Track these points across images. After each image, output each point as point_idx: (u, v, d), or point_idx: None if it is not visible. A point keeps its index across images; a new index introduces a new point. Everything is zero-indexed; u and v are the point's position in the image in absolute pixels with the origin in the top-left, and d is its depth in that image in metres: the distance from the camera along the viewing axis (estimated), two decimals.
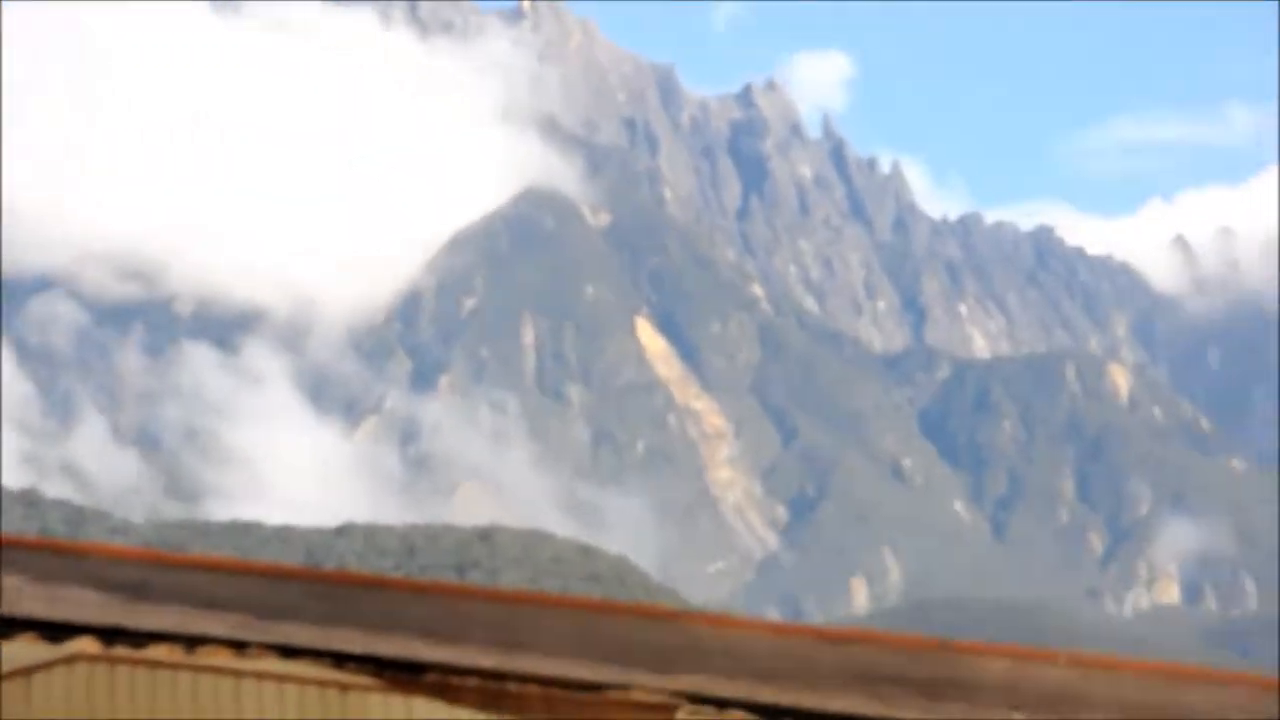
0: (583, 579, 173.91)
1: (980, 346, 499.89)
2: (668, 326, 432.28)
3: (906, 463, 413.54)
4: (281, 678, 9.82)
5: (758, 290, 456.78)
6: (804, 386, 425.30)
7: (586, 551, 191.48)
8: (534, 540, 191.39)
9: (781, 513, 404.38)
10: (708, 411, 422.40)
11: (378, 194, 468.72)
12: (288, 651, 9.74)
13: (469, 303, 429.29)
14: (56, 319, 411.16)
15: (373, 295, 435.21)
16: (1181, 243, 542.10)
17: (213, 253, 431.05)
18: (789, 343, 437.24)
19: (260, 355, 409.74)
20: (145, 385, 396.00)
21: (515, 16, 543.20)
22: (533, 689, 9.42)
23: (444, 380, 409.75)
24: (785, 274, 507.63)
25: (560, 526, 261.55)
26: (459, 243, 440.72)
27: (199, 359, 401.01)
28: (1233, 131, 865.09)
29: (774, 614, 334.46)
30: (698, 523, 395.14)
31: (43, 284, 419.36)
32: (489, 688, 9.54)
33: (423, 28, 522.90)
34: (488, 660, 9.54)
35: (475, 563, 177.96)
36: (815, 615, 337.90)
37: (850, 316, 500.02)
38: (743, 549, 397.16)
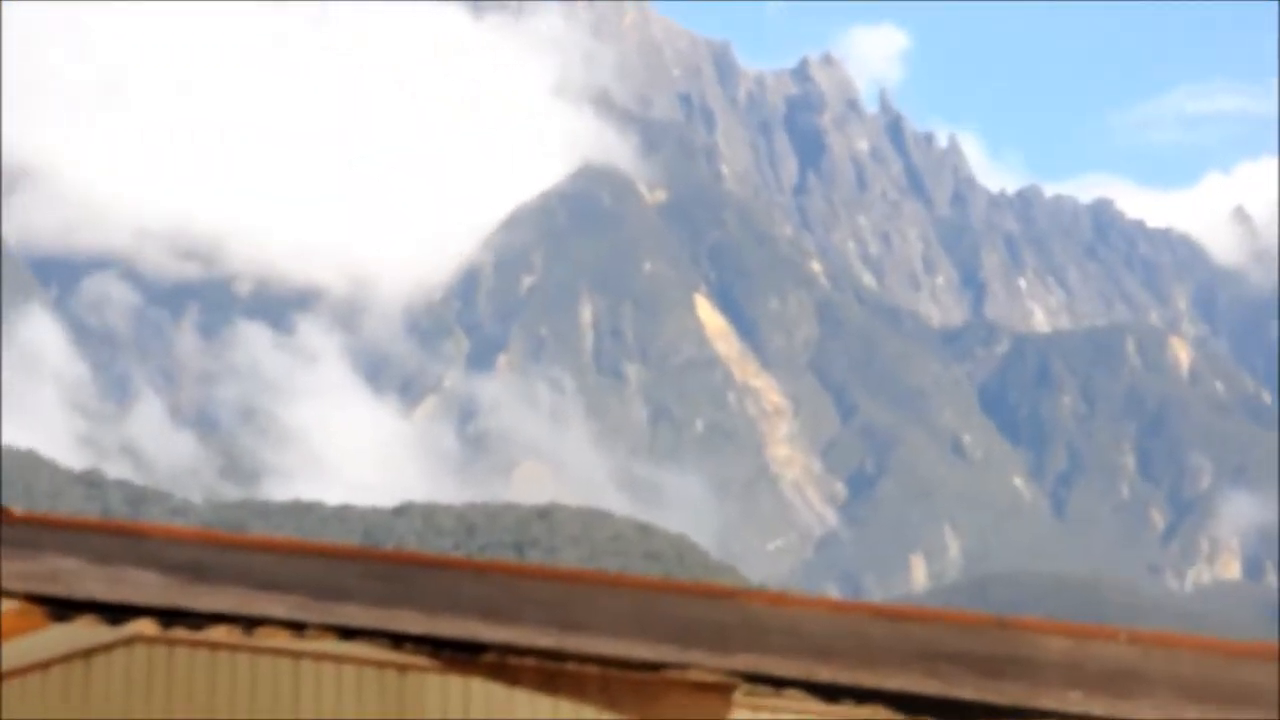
0: (641, 557, 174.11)
1: (1040, 320, 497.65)
2: (726, 303, 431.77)
3: (966, 438, 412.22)
4: (340, 658, 9.86)
5: (816, 266, 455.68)
6: (863, 363, 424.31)
7: (645, 530, 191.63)
8: (593, 519, 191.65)
9: (840, 490, 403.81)
10: (766, 389, 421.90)
11: (435, 171, 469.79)
12: (346, 632, 9.76)
13: (527, 280, 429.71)
14: (111, 299, 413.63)
15: (431, 273, 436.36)
16: (1241, 214, 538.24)
17: (270, 232, 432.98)
18: (848, 319, 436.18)
19: (317, 334, 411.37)
20: (201, 365, 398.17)
21: None
22: (590, 669, 9.42)
23: (502, 359, 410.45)
24: (843, 249, 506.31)
25: (619, 505, 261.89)
26: (517, 220, 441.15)
27: (255, 338, 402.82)
28: None
29: (833, 591, 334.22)
30: (757, 500, 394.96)
31: (98, 264, 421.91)
32: (546, 667, 9.54)
33: (475, 5, 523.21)
34: (545, 640, 9.53)
35: (534, 541, 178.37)
36: (875, 592, 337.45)
37: (909, 292, 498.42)
38: (802, 526, 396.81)
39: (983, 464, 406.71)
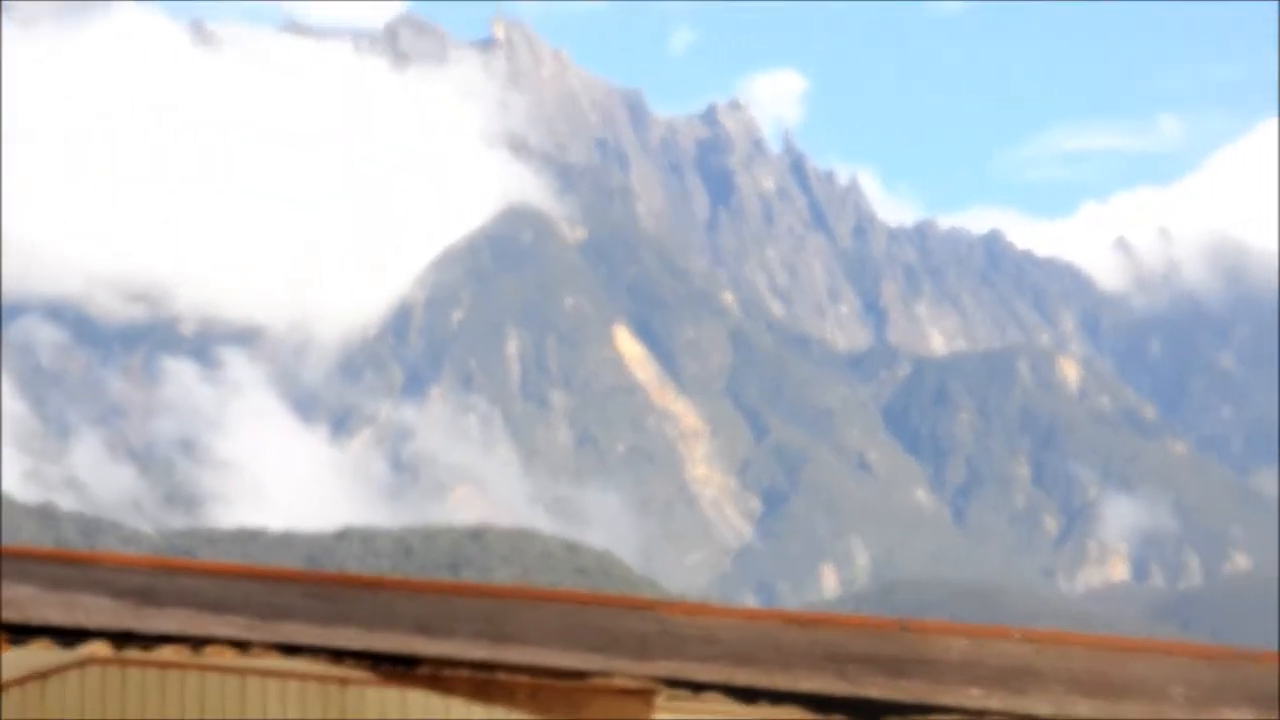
0: (570, 573, 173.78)
1: (938, 344, 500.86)
2: (644, 333, 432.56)
3: (871, 455, 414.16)
4: (283, 674, 9.79)
5: (728, 297, 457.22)
6: (774, 386, 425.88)
7: (572, 547, 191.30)
8: (522, 538, 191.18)
9: (755, 505, 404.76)
10: (684, 412, 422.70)
11: (368, 216, 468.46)
12: (289, 649, 9.72)
13: (456, 316, 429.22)
14: (48, 340, 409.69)
15: (366, 311, 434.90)
16: (1123, 243, 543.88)
17: (215, 276, 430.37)
18: (758, 345, 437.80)
19: (254, 370, 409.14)
20: (138, 401, 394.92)
21: (489, 46, 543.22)
22: (520, 678, 9.41)
23: (434, 390, 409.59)
24: (753, 281, 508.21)
25: (547, 525, 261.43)
26: (446, 260, 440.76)
27: (194, 375, 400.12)
28: (1163, 139, 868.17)
29: (750, 600, 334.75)
30: (677, 517, 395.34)
31: (40, 307, 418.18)
32: (479, 678, 9.52)
33: (398, 58, 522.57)
34: (477, 652, 9.52)
35: (468, 561, 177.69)
36: (789, 600, 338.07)
37: (815, 319, 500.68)
38: (720, 540, 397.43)
39: (887, 479, 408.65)
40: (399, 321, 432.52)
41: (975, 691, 8.81)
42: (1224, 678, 8.53)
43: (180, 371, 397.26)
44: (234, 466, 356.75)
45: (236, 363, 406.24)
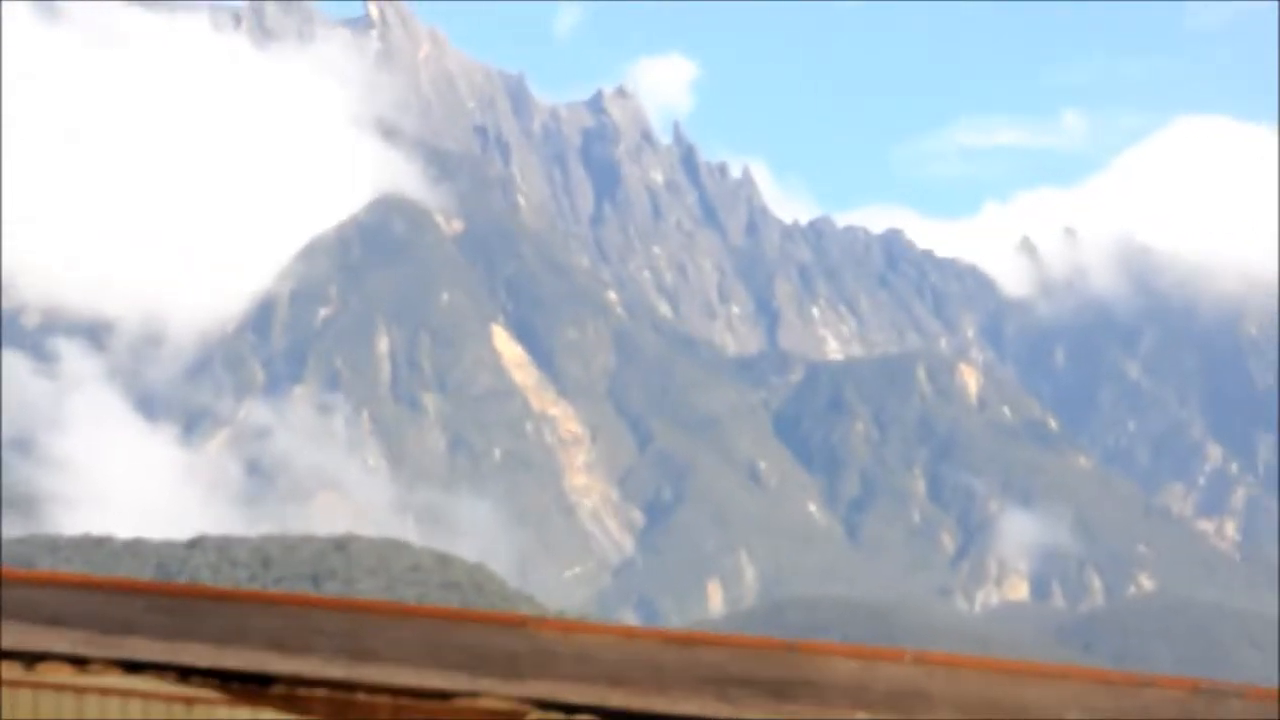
0: (439, 587, 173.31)
1: (833, 349, 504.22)
2: (523, 333, 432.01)
3: (761, 465, 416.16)
4: (125, 693, 9.69)
5: (612, 296, 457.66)
6: (659, 391, 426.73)
7: (443, 559, 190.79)
8: (390, 549, 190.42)
9: (638, 517, 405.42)
10: (564, 417, 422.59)
11: (227, 203, 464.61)
12: (131, 666, 9.60)
13: (323, 312, 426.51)
14: None
15: (225, 305, 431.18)
16: (1028, 245, 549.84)
17: (61, 265, 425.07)
18: (644, 348, 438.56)
19: (95, 365, 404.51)
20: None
21: (362, 25, 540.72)
22: (381, 698, 9.37)
23: (298, 390, 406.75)
24: (639, 279, 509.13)
25: (417, 535, 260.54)
26: (312, 251, 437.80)
27: (27, 369, 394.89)
28: (1068, 136, 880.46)
29: (630, 618, 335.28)
30: (555, 529, 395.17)
31: None
32: (337, 698, 9.47)
33: (261, 34, 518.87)
34: (336, 670, 9.47)
35: (331, 573, 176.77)
36: (671, 618, 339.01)
37: (704, 321, 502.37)
38: (600, 554, 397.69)
39: (778, 491, 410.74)
40: (261, 317, 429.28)
41: (862, 715, 8.87)
42: (1124, 704, 8.64)
43: (12, 364, 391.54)
44: (73, 467, 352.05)
45: (72, 356, 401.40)
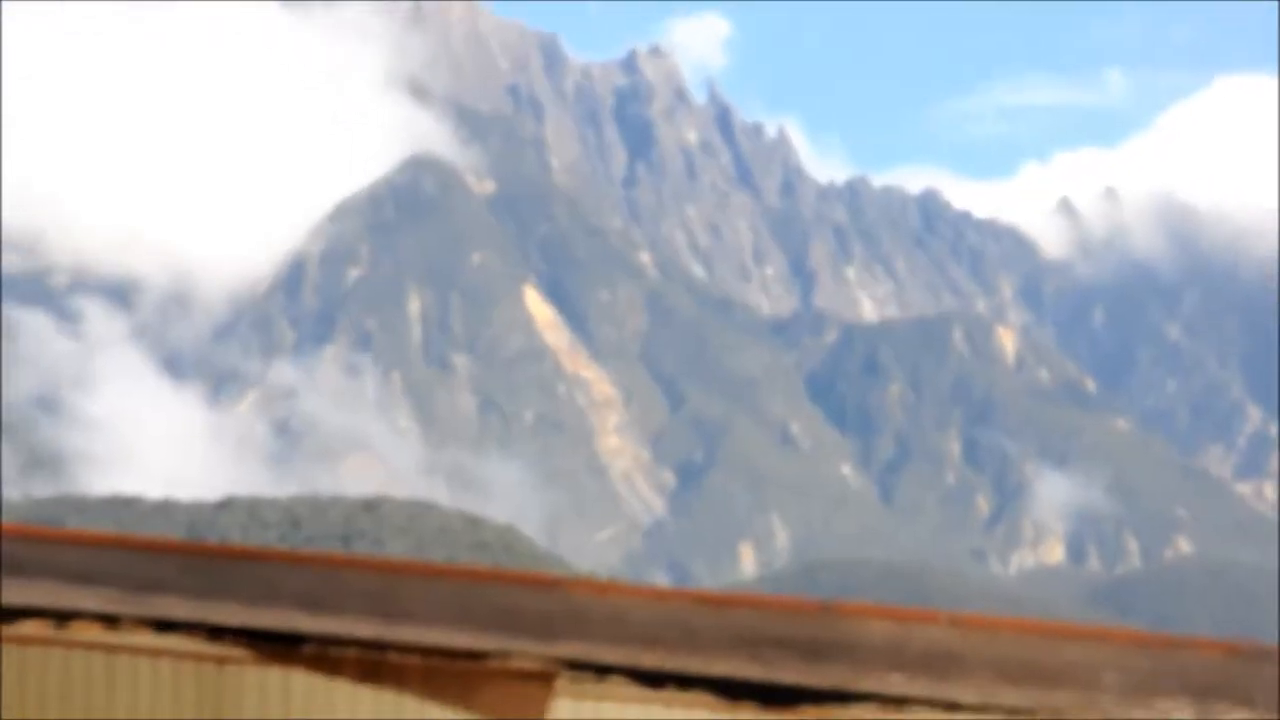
0: (469, 548, 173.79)
1: (868, 310, 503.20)
2: (555, 295, 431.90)
3: (795, 427, 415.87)
4: (155, 652, 9.72)
5: (645, 257, 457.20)
6: (692, 353, 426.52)
7: (473, 521, 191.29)
8: (420, 510, 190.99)
9: (670, 479, 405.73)
10: (596, 379, 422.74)
11: (260, 163, 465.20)
12: (162, 626, 9.64)
13: (354, 272, 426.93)
14: None
15: (255, 266, 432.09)
16: (1067, 206, 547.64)
17: (89, 225, 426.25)
18: (677, 309, 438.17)
19: (121, 324, 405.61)
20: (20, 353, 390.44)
21: None
22: (412, 659, 9.39)
23: (328, 351, 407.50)
24: (673, 241, 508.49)
25: (447, 496, 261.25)
26: (343, 211, 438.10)
27: (51, 329, 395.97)
28: (1109, 95, 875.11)
29: (662, 580, 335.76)
30: (586, 491, 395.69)
31: None
32: (368, 658, 9.50)
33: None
34: (367, 630, 9.49)
35: (361, 534, 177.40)
36: (703, 580, 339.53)
37: (738, 282, 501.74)
38: (631, 516, 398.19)
39: (811, 453, 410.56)
40: (291, 277, 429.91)
41: (897, 678, 8.86)
42: (1161, 666, 8.62)
43: (38, 324, 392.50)
44: (100, 427, 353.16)
45: (97, 315, 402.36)
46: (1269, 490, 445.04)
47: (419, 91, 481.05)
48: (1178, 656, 8.35)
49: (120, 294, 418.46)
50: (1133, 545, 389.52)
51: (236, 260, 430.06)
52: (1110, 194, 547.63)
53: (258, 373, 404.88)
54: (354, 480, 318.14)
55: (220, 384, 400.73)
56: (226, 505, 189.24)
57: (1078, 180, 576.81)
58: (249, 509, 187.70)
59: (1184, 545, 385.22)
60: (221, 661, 9.65)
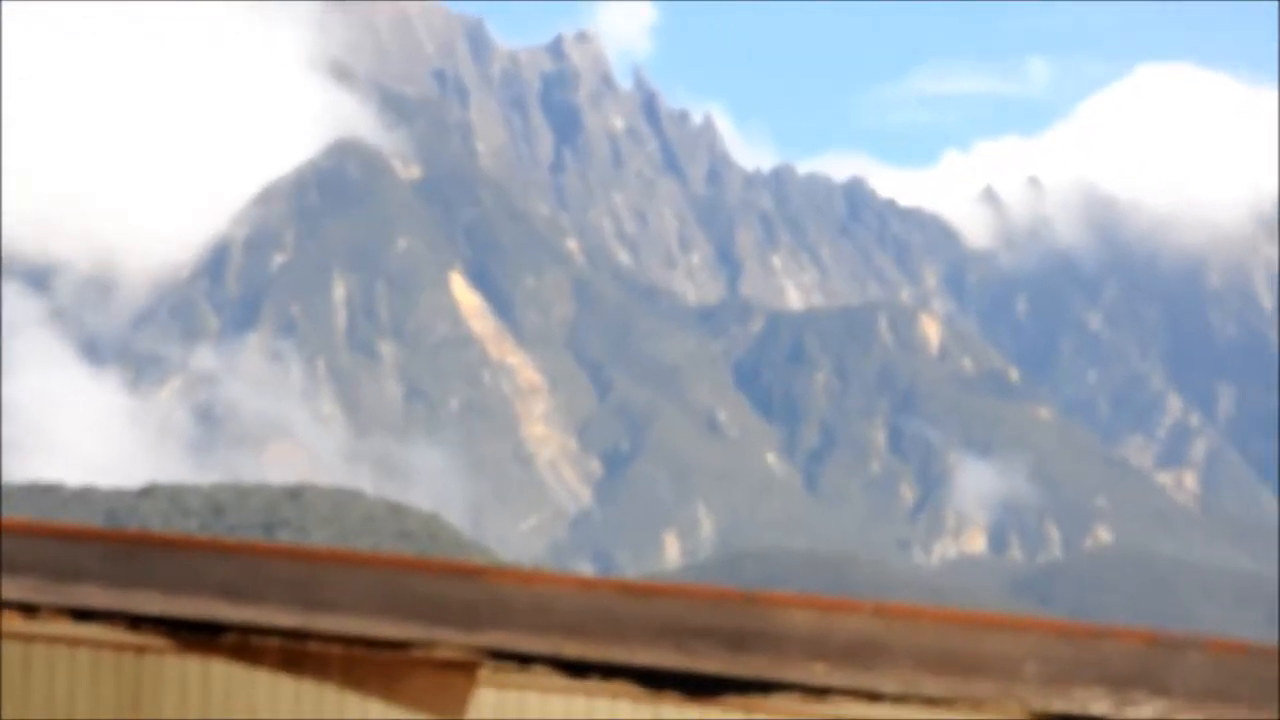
0: (393, 537, 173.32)
1: (794, 298, 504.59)
2: (481, 281, 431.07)
3: (721, 415, 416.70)
4: (73, 641, 9.65)
5: (572, 244, 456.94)
6: (619, 340, 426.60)
7: (397, 509, 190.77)
8: (344, 498, 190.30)
9: (596, 468, 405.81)
10: (522, 367, 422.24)
11: (180, 148, 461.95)
12: (81, 614, 9.58)
13: (278, 258, 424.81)
14: None
15: (179, 250, 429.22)
16: (990, 194, 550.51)
17: (12, 206, 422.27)
18: (603, 296, 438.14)
19: (34, 308, 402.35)
20: None
21: None
22: (334, 648, 9.35)
23: (251, 337, 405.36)
24: (599, 227, 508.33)
25: (371, 484, 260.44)
26: (268, 196, 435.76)
27: None
28: (1031, 84, 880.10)
29: (586, 569, 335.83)
30: (511, 479, 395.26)
31: None
32: (289, 648, 9.45)
33: None
34: (288, 620, 9.45)
35: (284, 522, 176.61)
36: (628, 570, 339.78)
37: (664, 269, 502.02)
38: (556, 504, 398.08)
39: (737, 441, 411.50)
40: (215, 262, 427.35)
41: (820, 667, 8.90)
42: (1080, 656, 8.68)
43: None
44: (17, 413, 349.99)
45: (13, 299, 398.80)
46: (1189, 480, 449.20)
47: (343, 75, 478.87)
48: (1097, 646, 8.41)
49: (38, 277, 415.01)
50: (1054, 535, 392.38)
51: (159, 245, 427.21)
52: (1033, 183, 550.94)
53: (180, 359, 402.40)
54: (277, 468, 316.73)
55: (141, 370, 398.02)
56: (147, 493, 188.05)
57: (1001, 169, 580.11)
58: (170, 496, 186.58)
59: (1104, 535, 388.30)
60: (141, 651, 9.59)
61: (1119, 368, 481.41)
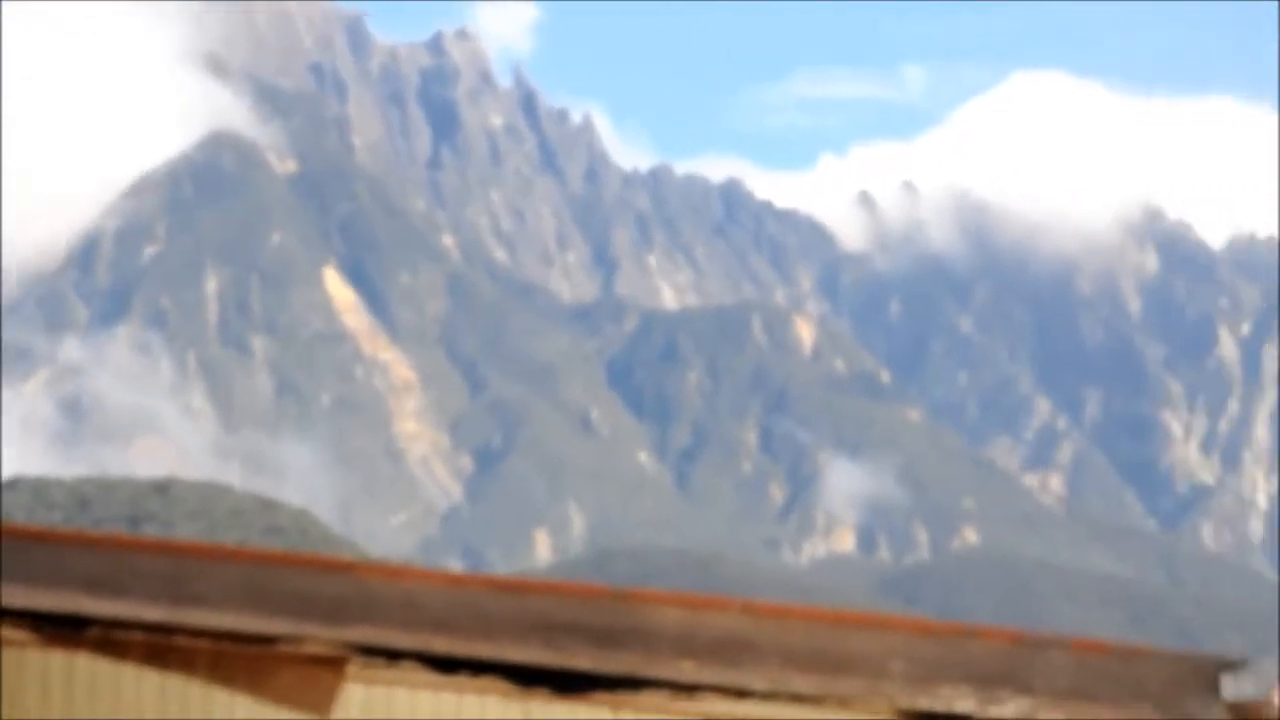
0: (262, 532, 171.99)
1: (669, 298, 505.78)
2: (356, 277, 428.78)
3: (594, 414, 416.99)
4: None
5: (448, 241, 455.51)
6: (493, 338, 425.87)
7: (267, 504, 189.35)
8: (212, 493, 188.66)
9: (468, 464, 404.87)
10: (395, 363, 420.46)
11: (52, 139, 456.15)
12: None
13: (150, 250, 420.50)
14: None
15: (48, 242, 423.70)
16: (866, 198, 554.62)
17: None
18: (479, 294, 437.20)
19: None
20: None
21: None
22: (201, 643, 9.27)
23: (121, 330, 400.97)
24: (476, 225, 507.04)
25: (241, 479, 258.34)
26: (141, 188, 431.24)
27: None
28: (907, 90, 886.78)
29: (456, 566, 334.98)
30: (382, 475, 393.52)
31: None
32: (155, 642, 9.36)
33: None
34: (154, 613, 9.36)
35: (150, 516, 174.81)
36: (498, 567, 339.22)
37: (541, 268, 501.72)
38: (427, 501, 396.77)
39: (609, 440, 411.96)
40: (85, 254, 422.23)
41: (689, 664, 8.93)
42: (946, 655, 8.77)
43: None
44: None
45: None
46: (1055, 483, 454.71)
47: (219, 68, 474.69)
48: (963, 645, 8.49)
49: None
50: (922, 535, 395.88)
51: (28, 236, 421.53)
52: (908, 188, 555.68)
53: (47, 351, 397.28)
54: (144, 462, 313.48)
55: (7, 362, 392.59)
56: (11, 485, 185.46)
57: (876, 173, 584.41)
58: (34, 489, 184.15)
59: (971, 536, 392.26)
60: (3, 644, 9.46)
61: (988, 371, 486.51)
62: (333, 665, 9.18)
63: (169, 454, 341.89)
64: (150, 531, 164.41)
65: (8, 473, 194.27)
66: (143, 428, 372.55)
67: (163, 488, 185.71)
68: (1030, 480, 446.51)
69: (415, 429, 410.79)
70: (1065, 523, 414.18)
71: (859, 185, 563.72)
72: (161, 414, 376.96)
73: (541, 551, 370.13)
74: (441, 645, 9.17)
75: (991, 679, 8.60)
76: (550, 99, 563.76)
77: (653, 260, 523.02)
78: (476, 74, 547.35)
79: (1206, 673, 8.31)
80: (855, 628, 8.67)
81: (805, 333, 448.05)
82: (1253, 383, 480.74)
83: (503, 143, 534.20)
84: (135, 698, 9.36)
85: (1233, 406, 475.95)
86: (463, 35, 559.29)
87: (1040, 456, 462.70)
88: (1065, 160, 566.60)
